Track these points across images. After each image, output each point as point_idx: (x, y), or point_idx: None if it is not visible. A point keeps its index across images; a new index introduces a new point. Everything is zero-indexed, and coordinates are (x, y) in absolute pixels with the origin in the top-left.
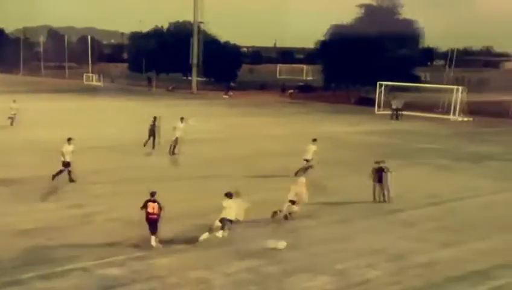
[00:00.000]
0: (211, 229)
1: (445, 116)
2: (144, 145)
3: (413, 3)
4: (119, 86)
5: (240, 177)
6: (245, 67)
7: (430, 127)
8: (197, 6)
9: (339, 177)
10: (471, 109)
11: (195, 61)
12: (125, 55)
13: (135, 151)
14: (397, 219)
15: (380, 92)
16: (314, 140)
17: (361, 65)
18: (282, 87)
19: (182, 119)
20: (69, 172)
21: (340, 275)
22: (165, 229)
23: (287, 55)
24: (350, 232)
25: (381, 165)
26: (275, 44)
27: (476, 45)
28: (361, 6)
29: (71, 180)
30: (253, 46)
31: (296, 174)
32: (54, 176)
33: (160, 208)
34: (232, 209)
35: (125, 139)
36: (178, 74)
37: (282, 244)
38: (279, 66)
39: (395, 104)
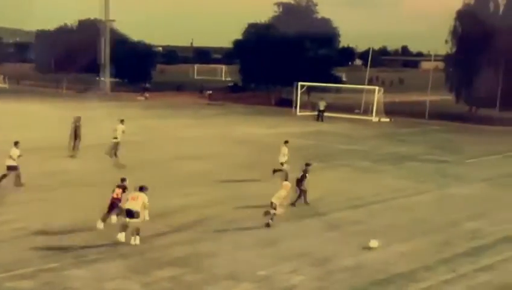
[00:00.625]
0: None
1: (365, 117)
2: (73, 149)
3: (329, 2)
4: (26, 87)
5: (156, 181)
6: (160, 67)
7: (351, 128)
8: (108, 4)
9: (257, 181)
10: (390, 110)
11: (107, 61)
12: (31, 55)
13: (54, 155)
14: (320, 223)
15: (301, 93)
16: (286, 142)
17: (280, 65)
18: (200, 88)
19: (121, 121)
20: (17, 176)
21: (264, 281)
22: (79, 239)
23: (204, 55)
24: (273, 237)
25: (307, 168)
26: (191, 43)
27: (393, 45)
28: (278, 4)
29: (18, 184)
30: (168, 46)
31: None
32: None
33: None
34: (139, 202)
35: (41, 142)
36: (91, 74)
37: (374, 243)
38: (196, 66)
39: (321, 105)
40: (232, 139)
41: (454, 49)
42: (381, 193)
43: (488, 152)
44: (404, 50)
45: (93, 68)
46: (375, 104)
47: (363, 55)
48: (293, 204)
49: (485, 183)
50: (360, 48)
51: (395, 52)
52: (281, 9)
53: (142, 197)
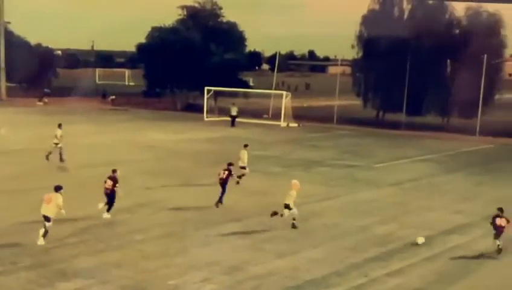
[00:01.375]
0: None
1: (274, 122)
2: None
3: (235, 6)
4: None
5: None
6: (60, 71)
7: (260, 133)
8: (2, 5)
9: (166, 188)
10: (299, 115)
11: (2, 64)
12: None
13: None
14: (232, 229)
15: (208, 98)
16: (246, 145)
17: (186, 69)
18: (102, 93)
19: (59, 125)
20: None
21: None
22: None
23: (106, 59)
24: (182, 245)
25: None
26: (92, 47)
27: (301, 49)
28: (182, 7)
29: None
30: (68, 49)
31: (238, 182)
32: None
33: (114, 184)
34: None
35: None
36: None
37: (421, 239)
38: (98, 71)
39: (233, 111)
40: (137, 146)
41: (360, 54)
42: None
43: (396, 157)
44: (311, 55)
45: None
46: (283, 109)
47: (271, 60)
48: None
49: (394, 188)
50: (267, 52)
51: (302, 57)
52: (185, 13)
53: (55, 198)
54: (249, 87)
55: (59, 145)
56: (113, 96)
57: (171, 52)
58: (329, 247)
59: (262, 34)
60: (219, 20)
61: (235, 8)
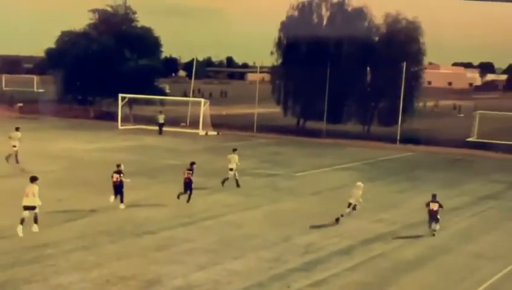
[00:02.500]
0: (23, 221)
1: (192, 131)
2: None
3: (150, 10)
4: None
5: None
6: None
7: (177, 142)
8: None
9: (77, 200)
10: (218, 123)
11: None
12: None
13: None
14: (149, 242)
15: (122, 106)
16: (235, 149)
17: (99, 76)
18: (8, 100)
19: (17, 128)
20: None
21: None
22: None
23: (13, 64)
24: (96, 259)
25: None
26: None
27: (219, 55)
28: (94, 11)
29: None
30: None
31: (223, 184)
32: None
33: (120, 177)
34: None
35: None
36: None
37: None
38: (4, 77)
39: (161, 119)
40: (46, 156)
41: (280, 61)
42: (211, 209)
43: (317, 165)
44: (230, 61)
45: None
46: (201, 117)
47: (187, 66)
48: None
49: (316, 197)
50: (184, 58)
51: (221, 64)
52: (97, 17)
53: (33, 188)
54: (165, 94)
55: (16, 148)
56: (21, 104)
57: (82, 57)
58: (250, 258)
59: (179, 40)
60: (133, 25)
61: (149, 13)
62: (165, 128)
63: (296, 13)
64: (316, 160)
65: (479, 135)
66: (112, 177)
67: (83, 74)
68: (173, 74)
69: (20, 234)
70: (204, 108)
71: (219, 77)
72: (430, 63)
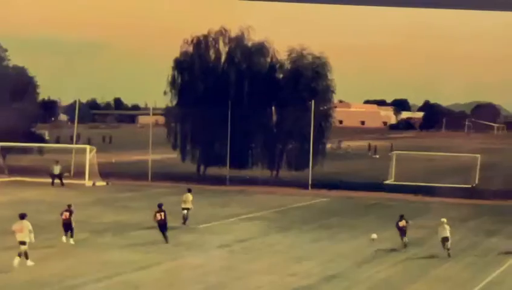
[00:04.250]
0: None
1: (77, 181)
2: None
3: (22, 48)
4: None
5: None
6: None
7: (60, 194)
8: None
9: None
10: (107, 172)
11: None
12: None
13: None
14: None
15: None
16: (189, 190)
17: None
18: None
19: None
20: None
21: None
22: None
23: None
24: None
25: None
26: None
27: (105, 97)
28: None
29: None
30: None
31: (185, 223)
32: None
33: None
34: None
35: None
36: None
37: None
38: None
39: (56, 169)
40: None
41: (174, 102)
42: (103, 269)
43: (222, 215)
44: (118, 103)
45: None
46: (87, 166)
47: (69, 110)
48: None
49: (222, 251)
50: (65, 100)
51: (107, 105)
52: None
53: (26, 225)
54: (44, 141)
55: None
56: None
57: None
58: None
59: (59, 80)
60: (4, 64)
61: (23, 51)
62: (45, 180)
63: (191, 49)
64: (221, 209)
65: (396, 177)
66: (61, 214)
67: None
68: (53, 118)
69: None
70: (90, 155)
71: (107, 120)
72: (341, 101)
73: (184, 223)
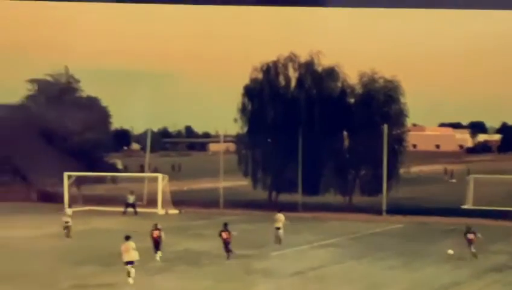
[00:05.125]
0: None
1: (150, 210)
2: None
3: (95, 78)
4: None
5: None
6: None
7: (134, 223)
8: None
9: None
10: (179, 200)
11: None
12: None
13: None
14: None
15: (69, 185)
16: (280, 210)
17: (40, 152)
18: None
19: None
20: None
21: None
22: None
23: None
24: None
25: None
26: None
27: (176, 125)
28: (32, 81)
29: None
30: None
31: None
32: None
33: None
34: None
35: None
36: None
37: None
38: None
39: (131, 199)
40: None
41: (245, 129)
42: None
43: (295, 242)
44: (189, 131)
45: None
46: (160, 194)
47: (141, 139)
48: None
49: (296, 278)
50: (137, 129)
51: (178, 134)
52: (36, 88)
53: (131, 245)
54: (117, 170)
55: None
56: None
57: (20, 133)
58: None
59: (131, 110)
60: (77, 95)
61: (95, 81)
62: (118, 209)
63: (260, 75)
64: (294, 236)
65: (474, 202)
66: (152, 233)
67: (21, 151)
68: (125, 147)
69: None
70: (163, 184)
71: (178, 148)
72: (414, 125)
73: (278, 242)
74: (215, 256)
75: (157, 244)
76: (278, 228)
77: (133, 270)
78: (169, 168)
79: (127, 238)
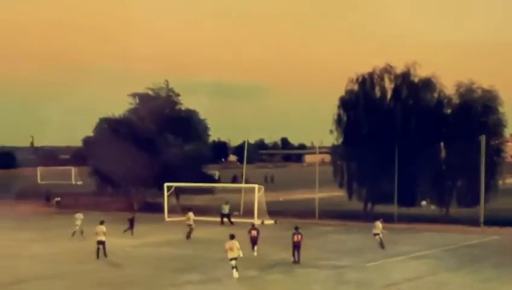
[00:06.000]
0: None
1: (247, 220)
2: None
3: (194, 91)
4: None
5: None
6: None
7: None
8: None
9: None
10: (275, 210)
11: None
12: None
13: None
14: None
15: (168, 196)
16: (378, 218)
17: (142, 164)
18: (45, 195)
19: (101, 222)
20: None
21: None
22: None
23: (49, 156)
24: None
25: None
26: (31, 143)
27: (272, 137)
28: (134, 95)
29: None
30: (3, 146)
31: (382, 247)
32: None
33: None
34: (235, 248)
35: None
36: None
37: None
38: (39, 169)
39: (226, 209)
40: (88, 253)
41: (340, 140)
42: None
43: (390, 254)
44: (285, 142)
45: None
46: (256, 205)
47: (238, 150)
48: None
49: None
50: (235, 141)
51: (275, 145)
52: (137, 101)
53: (236, 244)
54: (214, 181)
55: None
56: (58, 198)
57: (123, 145)
58: None
59: (228, 122)
60: (177, 108)
61: (194, 95)
62: (215, 219)
63: (356, 87)
64: (388, 248)
65: None
66: (249, 232)
67: (124, 163)
68: (223, 159)
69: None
70: (259, 195)
71: (274, 160)
72: None
73: (381, 247)
74: (309, 266)
75: (254, 241)
76: (376, 234)
77: (234, 263)
78: (261, 180)
79: (232, 237)
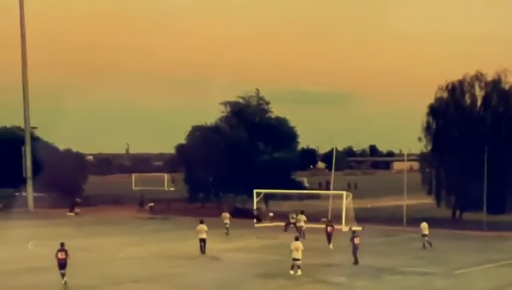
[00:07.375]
0: (293, 267)
1: (336, 227)
2: None
3: (284, 100)
4: None
5: None
6: (92, 178)
7: (319, 240)
8: (28, 109)
9: None
10: (362, 217)
11: (29, 174)
12: None
13: None
14: None
15: (258, 202)
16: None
17: (231, 171)
18: (139, 201)
19: (201, 221)
20: None
21: None
22: None
23: (142, 163)
24: None
25: None
26: (126, 150)
27: (360, 144)
28: (225, 104)
29: None
30: (100, 154)
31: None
32: None
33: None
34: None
35: None
36: (8, 189)
37: None
38: (134, 176)
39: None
40: (179, 257)
41: (429, 147)
42: None
43: (478, 261)
44: (373, 150)
45: (14, 182)
46: (344, 212)
47: (327, 157)
48: None
49: None
50: (323, 149)
51: (363, 153)
52: (228, 109)
53: (300, 245)
54: (303, 188)
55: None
56: (152, 204)
57: (214, 152)
58: None
59: (317, 129)
60: (266, 116)
61: (284, 102)
62: (304, 225)
63: (445, 95)
64: (477, 255)
65: None
66: (326, 228)
67: (214, 170)
68: (311, 166)
69: (292, 273)
70: (347, 201)
71: (362, 167)
72: None
73: (429, 245)
74: (397, 273)
75: (329, 237)
76: (425, 235)
77: (298, 263)
78: (345, 187)
79: (296, 239)
